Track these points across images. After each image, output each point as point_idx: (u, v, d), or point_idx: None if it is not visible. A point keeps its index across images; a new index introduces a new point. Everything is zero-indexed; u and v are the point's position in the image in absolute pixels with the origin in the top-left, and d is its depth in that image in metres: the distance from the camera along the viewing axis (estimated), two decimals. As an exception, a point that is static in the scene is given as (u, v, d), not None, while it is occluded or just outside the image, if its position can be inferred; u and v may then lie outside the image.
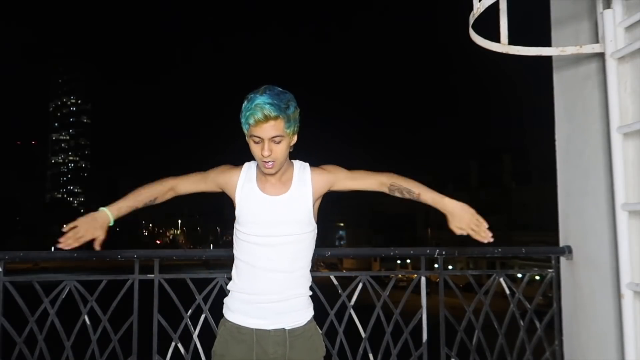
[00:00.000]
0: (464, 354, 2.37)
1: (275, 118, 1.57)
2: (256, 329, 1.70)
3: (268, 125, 1.58)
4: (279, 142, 1.62)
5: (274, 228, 1.70)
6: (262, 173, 1.73)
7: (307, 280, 1.80)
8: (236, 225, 1.76)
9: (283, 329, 1.71)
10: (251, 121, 1.58)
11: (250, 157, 1.74)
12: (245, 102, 1.62)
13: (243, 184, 1.75)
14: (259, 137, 1.60)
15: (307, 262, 1.78)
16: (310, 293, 1.81)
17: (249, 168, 1.79)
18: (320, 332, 1.83)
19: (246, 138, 1.68)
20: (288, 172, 1.76)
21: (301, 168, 1.79)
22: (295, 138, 1.69)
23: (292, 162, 1.79)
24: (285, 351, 1.69)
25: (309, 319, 1.78)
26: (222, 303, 1.81)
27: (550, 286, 2.45)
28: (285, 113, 1.59)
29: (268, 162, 1.63)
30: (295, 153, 1.79)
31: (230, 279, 1.82)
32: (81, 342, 2.15)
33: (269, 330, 1.70)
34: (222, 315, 1.79)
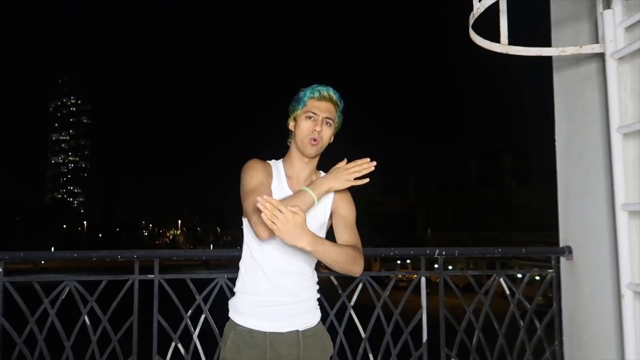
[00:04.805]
0: (464, 354, 2.37)
1: (335, 103, 1.76)
2: (269, 332, 1.69)
3: (327, 105, 1.75)
4: (329, 125, 1.75)
5: None
6: (289, 172, 1.79)
7: (316, 283, 1.84)
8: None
9: (296, 330, 1.72)
10: (316, 94, 1.73)
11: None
12: (306, 88, 1.76)
13: (277, 182, 1.78)
14: (315, 114, 1.72)
15: (314, 265, 1.83)
16: (318, 295, 1.84)
17: (276, 166, 1.82)
18: (340, 332, 1.86)
19: (293, 118, 1.77)
20: (315, 177, 1.83)
21: None
22: (332, 137, 1.80)
23: (318, 172, 1.86)
24: (299, 352, 1.70)
25: (318, 319, 1.81)
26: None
27: (550, 286, 2.44)
28: (340, 103, 1.79)
29: (316, 138, 1.72)
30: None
31: (230, 279, 1.82)
32: (81, 343, 2.14)
33: (282, 333, 1.70)
34: (227, 318, 1.78)
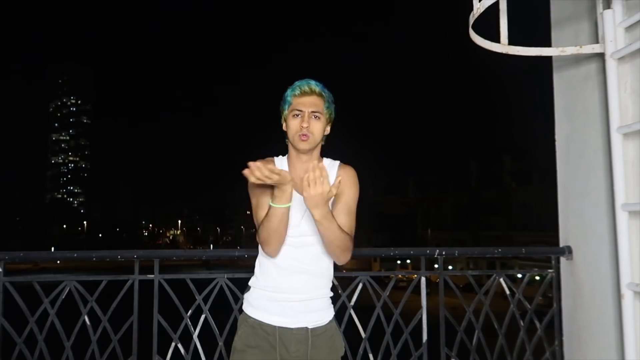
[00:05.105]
0: (464, 354, 2.37)
1: (319, 95, 1.75)
2: (279, 327, 1.71)
3: (311, 99, 1.74)
4: (317, 118, 1.74)
5: (298, 228, 1.71)
6: (291, 171, 1.76)
7: (329, 281, 1.83)
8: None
9: (305, 327, 1.73)
10: (297, 92, 1.73)
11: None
12: (289, 87, 1.77)
13: None
14: (300, 110, 1.73)
15: (329, 263, 1.80)
16: (332, 294, 1.84)
17: (281, 163, 1.82)
18: (340, 332, 1.84)
19: (284, 119, 1.78)
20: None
21: (331, 165, 1.84)
22: (328, 128, 1.80)
23: (321, 159, 1.84)
24: (307, 350, 1.71)
25: (330, 318, 1.81)
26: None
27: (550, 286, 2.45)
28: (325, 93, 1.77)
29: (305, 134, 1.72)
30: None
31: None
32: (81, 343, 2.15)
33: (291, 329, 1.71)
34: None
